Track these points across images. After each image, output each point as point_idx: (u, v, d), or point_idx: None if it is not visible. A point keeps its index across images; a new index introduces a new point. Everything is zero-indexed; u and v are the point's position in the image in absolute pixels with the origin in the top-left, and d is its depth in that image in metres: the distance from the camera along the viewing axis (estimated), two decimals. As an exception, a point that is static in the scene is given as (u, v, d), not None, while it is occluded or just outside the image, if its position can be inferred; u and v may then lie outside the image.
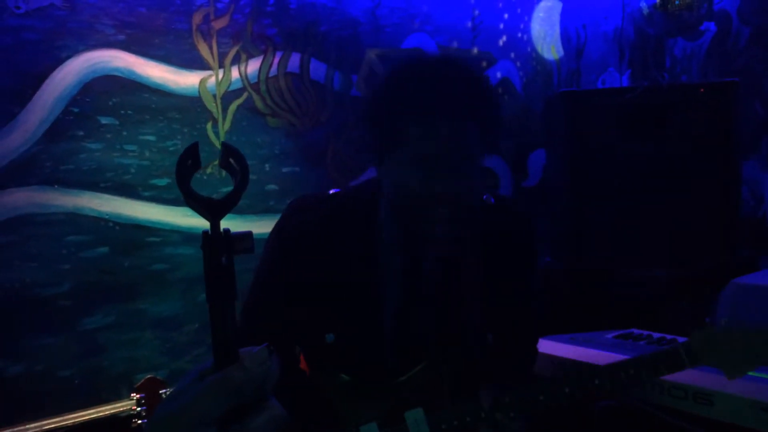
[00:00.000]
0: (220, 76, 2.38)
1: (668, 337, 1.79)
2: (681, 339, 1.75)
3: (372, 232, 1.36)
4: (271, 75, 2.51)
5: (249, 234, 0.54)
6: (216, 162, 2.36)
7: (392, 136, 1.22)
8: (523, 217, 1.49)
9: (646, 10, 3.19)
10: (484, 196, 1.42)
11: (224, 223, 0.54)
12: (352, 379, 1.36)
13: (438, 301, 1.37)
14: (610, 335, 1.84)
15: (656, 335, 1.82)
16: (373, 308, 1.35)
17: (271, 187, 2.49)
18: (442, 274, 1.37)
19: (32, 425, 1.98)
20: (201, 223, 0.53)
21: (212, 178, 2.34)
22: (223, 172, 2.37)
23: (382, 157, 1.28)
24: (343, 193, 1.46)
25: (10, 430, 1.96)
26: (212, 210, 0.53)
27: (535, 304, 1.53)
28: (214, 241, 0.53)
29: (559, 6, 3.43)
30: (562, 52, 3.43)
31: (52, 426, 2.01)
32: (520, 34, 3.28)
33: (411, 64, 1.27)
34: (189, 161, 0.54)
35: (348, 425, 1.33)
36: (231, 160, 0.56)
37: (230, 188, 0.55)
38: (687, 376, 1.39)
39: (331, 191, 1.46)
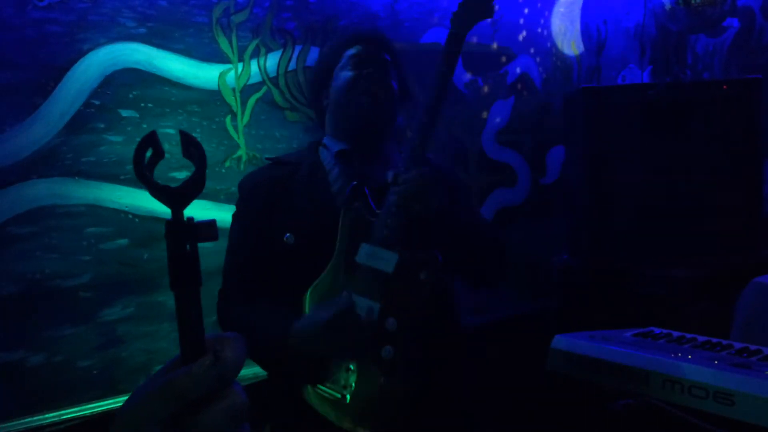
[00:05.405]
0: (240, 69, 2.39)
1: (688, 335, 1.77)
2: (701, 338, 1.73)
3: (321, 172, 1.70)
4: (290, 69, 2.51)
5: (213, 222, 0.55)
6: (234, 155, 2.37)
7: (337, 58, 1.77)
8: (443, 166, 1.85)
9: (668, 6, 3.15)
10: None
11: None
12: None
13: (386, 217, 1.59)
14: (629, 333, 1.82)
15: (676, 334, 1.80)
16: (328, 217, 1.59)
17: (289, 181, 2.48)
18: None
19: (51, 414, 2.01)
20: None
21: (231, 171, 2.34)
22: (242, 165, 2.39)
23: (330, 77, 1.77)
24: (285, 155, 1.84)
25: (30, 419, 1.99)
26: (173, 198, 0.54)
27: (483, 220, 1.89)
28: (177, 229, 0.54)
29: (579, 1, 3.39)
30: (582, 48, 3.40)
31: (71, 416, 2.04)
32: (540, 30, 3.25)
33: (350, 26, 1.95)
34: (148, 150, 0.54)
35: None
36: (191, 149, 0.56)
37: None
38: (708, 376, 1.38)
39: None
